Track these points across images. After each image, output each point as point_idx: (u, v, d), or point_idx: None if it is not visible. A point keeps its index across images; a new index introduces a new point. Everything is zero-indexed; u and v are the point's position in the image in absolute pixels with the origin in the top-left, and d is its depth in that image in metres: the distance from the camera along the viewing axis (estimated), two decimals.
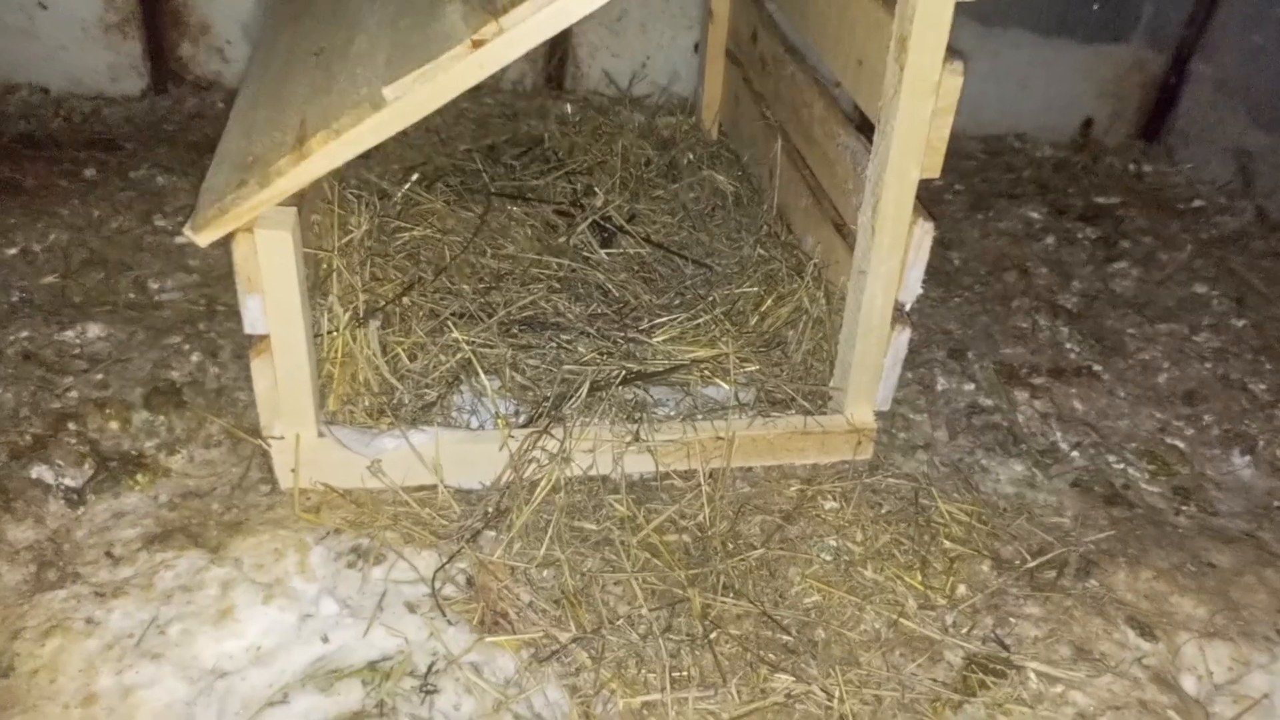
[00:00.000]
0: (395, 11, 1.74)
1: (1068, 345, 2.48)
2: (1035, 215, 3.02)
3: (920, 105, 1.62)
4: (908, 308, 1.89)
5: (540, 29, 1.49)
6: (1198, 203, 3.19)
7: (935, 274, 2.67)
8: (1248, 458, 2.17)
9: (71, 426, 1.87)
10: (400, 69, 1.53)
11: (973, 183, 3.19)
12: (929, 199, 1.78)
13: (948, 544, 1.85)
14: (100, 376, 2.00)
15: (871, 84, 1.75)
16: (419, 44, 1.57)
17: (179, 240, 2.42)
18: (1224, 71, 3.27)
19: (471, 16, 1.53)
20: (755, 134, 2.62)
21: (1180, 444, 2.20)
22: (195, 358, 2.08)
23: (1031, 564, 1.84)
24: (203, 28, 2.98)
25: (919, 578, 1.77)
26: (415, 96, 1.50)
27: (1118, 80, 3.42)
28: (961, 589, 1.77)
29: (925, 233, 1.78)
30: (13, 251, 2.33)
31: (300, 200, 1.64)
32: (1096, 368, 2.41)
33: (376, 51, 1.65)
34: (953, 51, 1.61)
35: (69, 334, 2.10)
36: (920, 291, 1.87)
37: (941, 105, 1.63)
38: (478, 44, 1.48)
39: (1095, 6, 3.24)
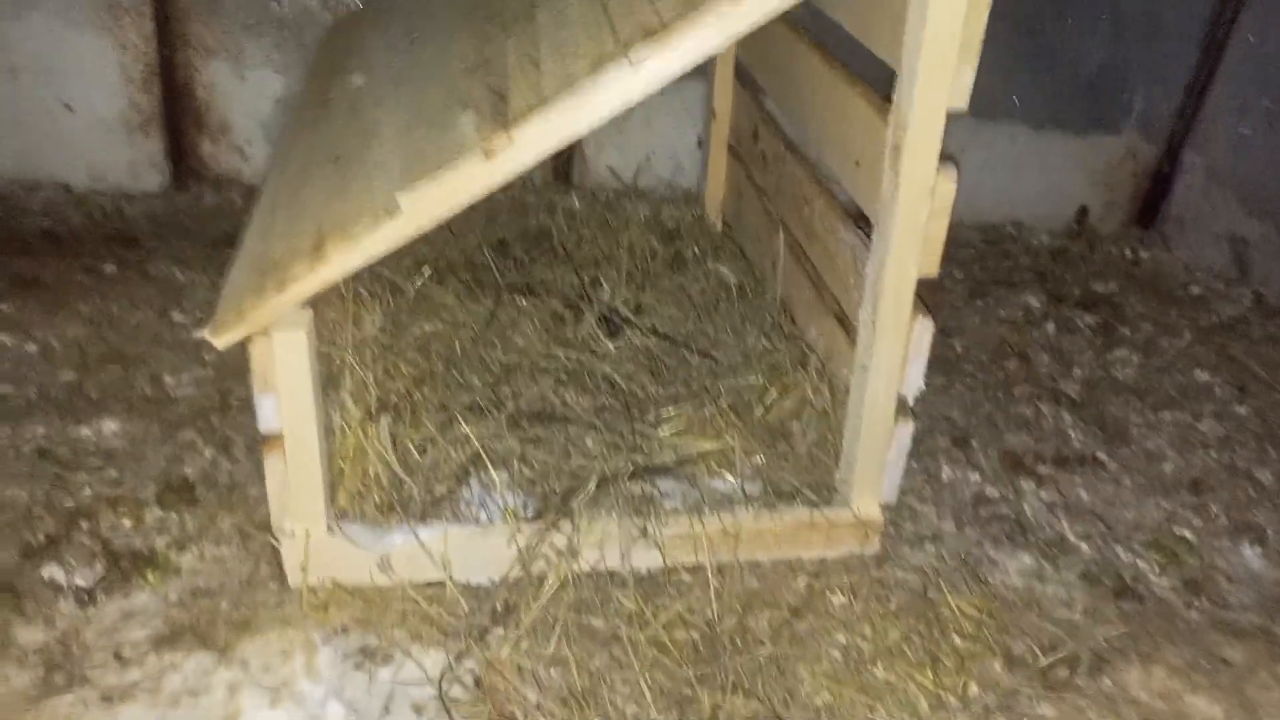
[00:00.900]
0: (410, 120, 1.82)
1: (1071, 433, 2.49)
2: (1034, 302, 3.07)
3: (916, 209, 1.67)
4: (910, 402, 1.92)
5: (549, 139, 1.55)
6: (1195, 289, 3.24)
7: (937, 361, 2.69)
8: (1257, 548, 2.16)
9: (84, 524, 1.89)
10: (415, 176, 1.59)
11: (972, 270, 3.25)
12: (930, 287, 1.81)
13: (958, 640, 1.84)
14: (114, 473, 2.03)
15: (869, 184, 1.81)
16: (433, 153, 1.64)
17: (195, 335, 2.47)
18: (1215, 161, 3.35)
19: (484, 127, 1.59)
20: (758, 226, 2.68)
21: (1188, 534, 2.19)
22: (208, 453, 2.11)
23: (1044, 661, 1.82)
24: (223, 128, 3.09)
25: (930, 676, 1.75)
26: (429, 204, 1.56)
27: (1111, 170, 3.50)
28: (974, 688, 1.75)
29: (925, 329, 1.81)
30: (32, 348, 2.37)
31: (316, 299, 1.69)
32: (1101, 456, 2.42)
33: (392, 159, 1.72)
34: (946, 157, 1.67)
35: (85, 430, 2.13)
36: (922, 385, 1.90)
37: (937, 208, 1.68)
38: (489, 154, 1.54)
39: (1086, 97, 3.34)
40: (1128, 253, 3.45)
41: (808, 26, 2.22)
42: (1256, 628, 1.96)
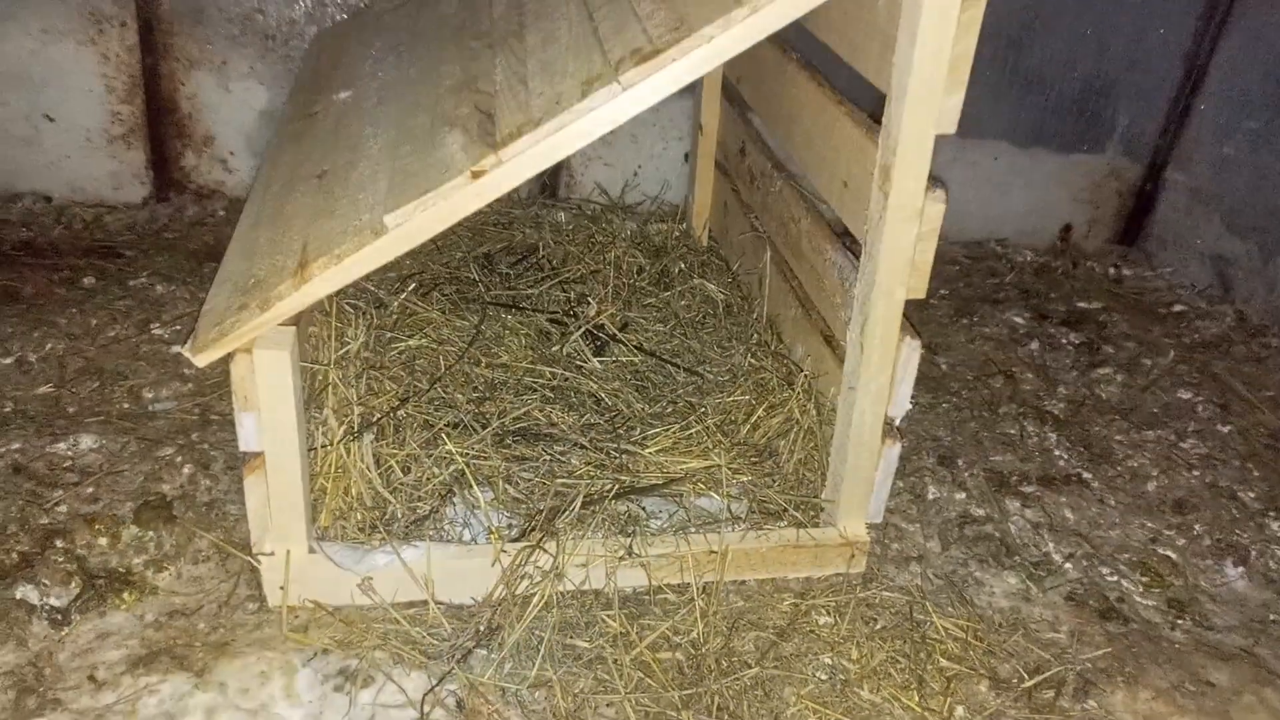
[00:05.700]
0: (396, 138, 1.80)
1: (1056, 452, 2.50)
2: (1019, 320, 3.08)
3: (904, 231, 1.67)
4: (897, 422, 1.92)
5: (537, 161, 1.55)
6: (1179, 307, 3.26)
7: (923, 379, 2.70)
8: (1240, 569, 2.17)
9: (59, 543, 1.85)
10: (401, 196, 1.57)
11: (957, 287, 3.26)
12: (916, 304, 1.80)
13: (944, 662, 1.83)
14: (91, 490, 2.00)
15: (857, 205, 1.81)
16: (419, 172, 1.62)
17: (175, 349, 2.44)
18: (1198, 180, 3.38)
19: (471, 148, 1.58)
20: (744, 243, 2.68)
21: (1172, 555, 2.20)
22: (187, 469, 2.08)
23: (1029, 683, 1.82)
24: (207, 139, 3.06)
25: (916, 698, 1.75)
26: (415, 224, 1.54)
27: (1094, 188, 3.52)
28: (960, 710, 1.74)
29: (913, 350, 1.81)
30: (8, 361, 2.34)
31: (298, 317, 1.67)
32: (1086, 475, 2.42)
33: (378, 177, 1.70)
34: (935, 180, 1.67)
35: (61, 445, 2.10)
36: (909, 406, 1.90)
37: (925, 230, 1.68)
38: (477, 175, 1.53)
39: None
40: (1111, 270, 3.47)
41: (796, 46, 2.23)
42: (1241, 649, 1.96)
